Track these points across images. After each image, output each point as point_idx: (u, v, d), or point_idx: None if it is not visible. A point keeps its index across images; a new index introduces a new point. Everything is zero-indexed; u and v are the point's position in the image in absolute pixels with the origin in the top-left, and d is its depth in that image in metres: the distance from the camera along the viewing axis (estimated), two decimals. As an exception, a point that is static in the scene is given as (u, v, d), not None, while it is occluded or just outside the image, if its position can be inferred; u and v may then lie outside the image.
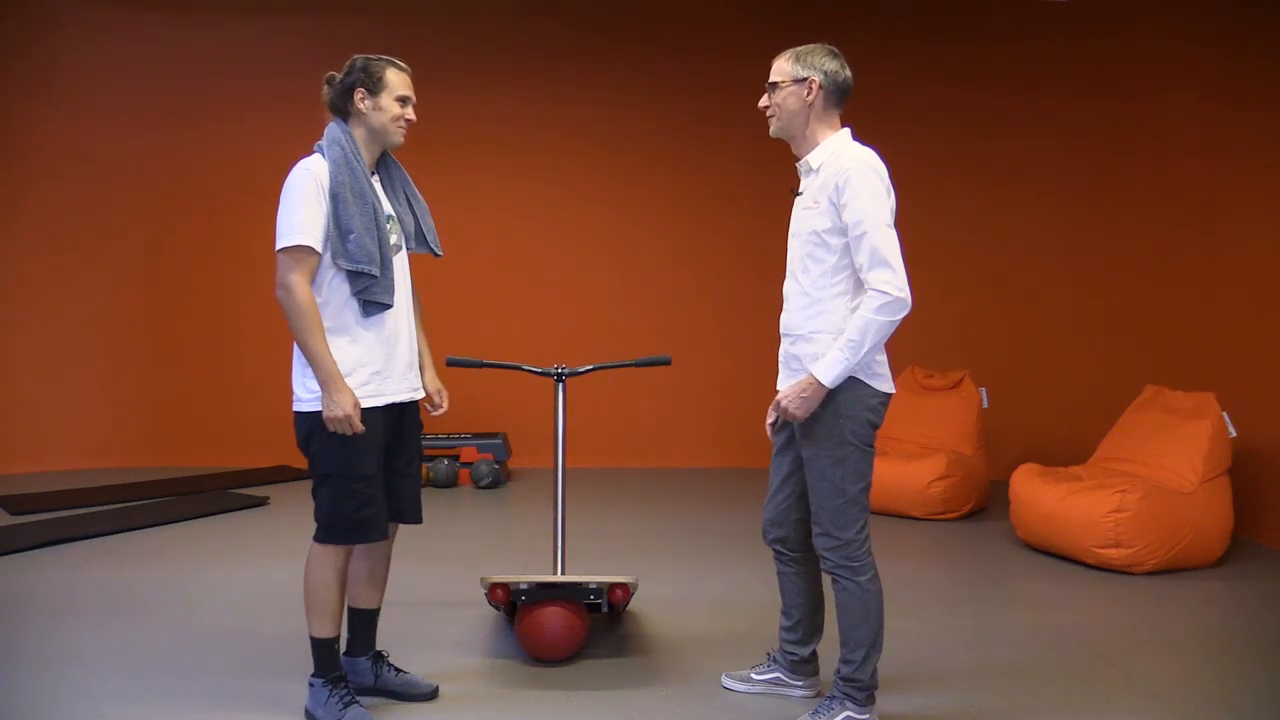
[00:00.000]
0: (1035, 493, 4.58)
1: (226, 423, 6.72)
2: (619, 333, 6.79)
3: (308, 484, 2.67)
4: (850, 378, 2.53)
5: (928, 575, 4.31)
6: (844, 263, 2.55)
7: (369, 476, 2.61)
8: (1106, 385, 5.97)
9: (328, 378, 2.50)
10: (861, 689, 2.63)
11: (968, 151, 6.70)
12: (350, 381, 2.56)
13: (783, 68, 2.62)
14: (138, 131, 6.63)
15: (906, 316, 2.49)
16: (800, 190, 2.69)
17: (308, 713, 2.71)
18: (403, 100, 2.68)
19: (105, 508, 5.37)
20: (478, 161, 6.81)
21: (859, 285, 2.53)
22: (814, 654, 2.90)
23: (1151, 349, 5.97)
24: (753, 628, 3.45)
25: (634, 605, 3.72)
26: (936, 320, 6.20)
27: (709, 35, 6.80)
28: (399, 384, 2.72)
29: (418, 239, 2.82)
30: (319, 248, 2.54)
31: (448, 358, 3.44)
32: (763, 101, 2.67)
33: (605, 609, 3.26)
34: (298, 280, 2.51)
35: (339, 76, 2.68)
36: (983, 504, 5.53)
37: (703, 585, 4.07)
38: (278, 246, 2.53)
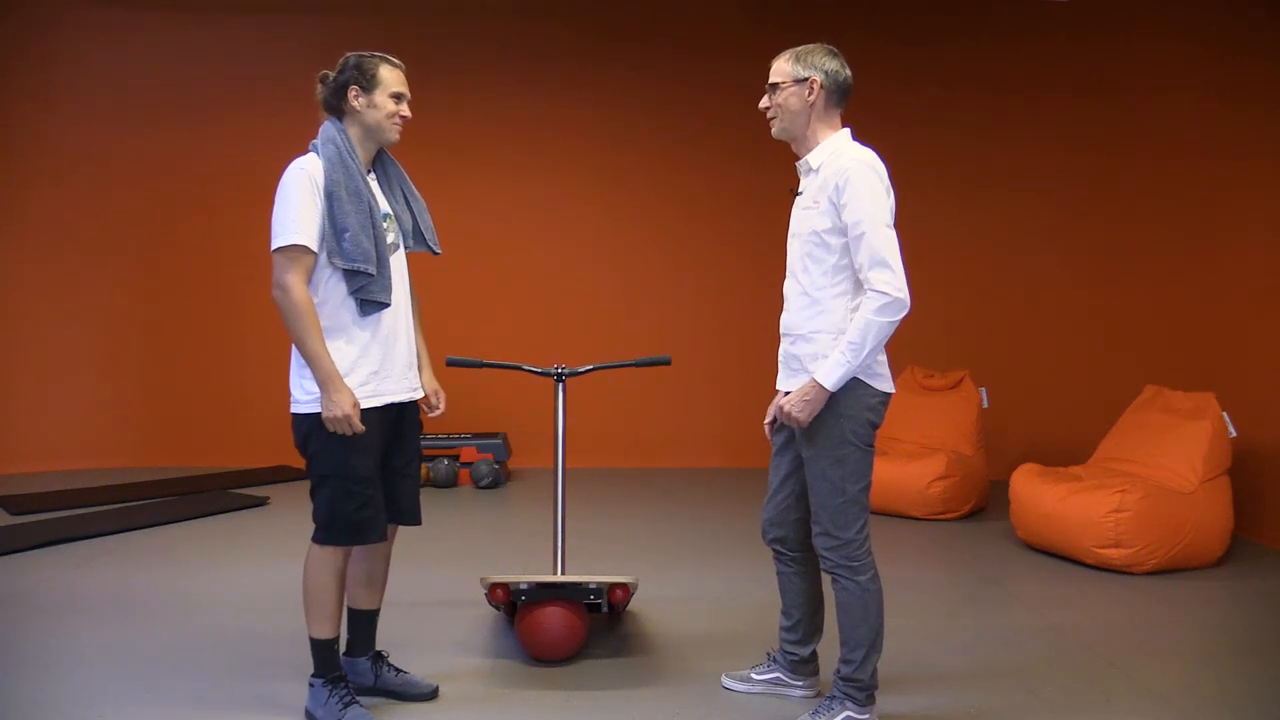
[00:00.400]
0: (1035, 493, 4.58)
1: (226, 423, 6.72)
2: (619, 333, 6.79)
3: (307, 484, 2.67)
4: (850, 378, 2.53)
5: (928, 575, 4.31)
6: (844, 263, 2.55)
7: (367, 478, 2.60)
8: (1106, 385, 5.97)
9: (326, 377, 2.49)
10: (861, 689, 2.63)
11: (968, 151, 6.70)
12: (349, 381, 2.55)
13: (783, 68, 2.62)
14: (137, 131, 6.63)
15: (906, 317, 2.49)
16: (800, 190, 2.69)
17: (308, 713, 2.71)
18: (397, 97, 2.65)
19: (105, 508, 5.37)
20: (477, 161, 6.81)
21: (859, 285, 2.53)
22: (814, 654, 2.90)
23: (1152, 349, 5.97)
24: (753, 628, 3.45)
25: (634, 605, 3.72)
26: (937, 320, 6.20)
27: (709, 35, 6.80)
28: (398, 384, 2.71)
29: (416, 237, 2.80)
30: (315, 247, 2.52)
31: (448, 358, 3.44)
32: (763, 103, 2.67)
33: (605, 609, 3.26)
34: (294, 280, 2.49)
35: (332, 75, 2.66)
36: (983, 504, 5.53)
37: (703, 585, 4.06)
38: (273, 246, 2.51)
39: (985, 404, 5.69)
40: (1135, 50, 6.08)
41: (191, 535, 4.89)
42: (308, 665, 2.72)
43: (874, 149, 2.60)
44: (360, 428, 2.52)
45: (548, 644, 3.10)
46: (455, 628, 3.50)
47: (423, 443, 6.19)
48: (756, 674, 2.96)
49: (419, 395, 2.83)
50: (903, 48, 6.66)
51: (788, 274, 2.71)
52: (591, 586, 3.09)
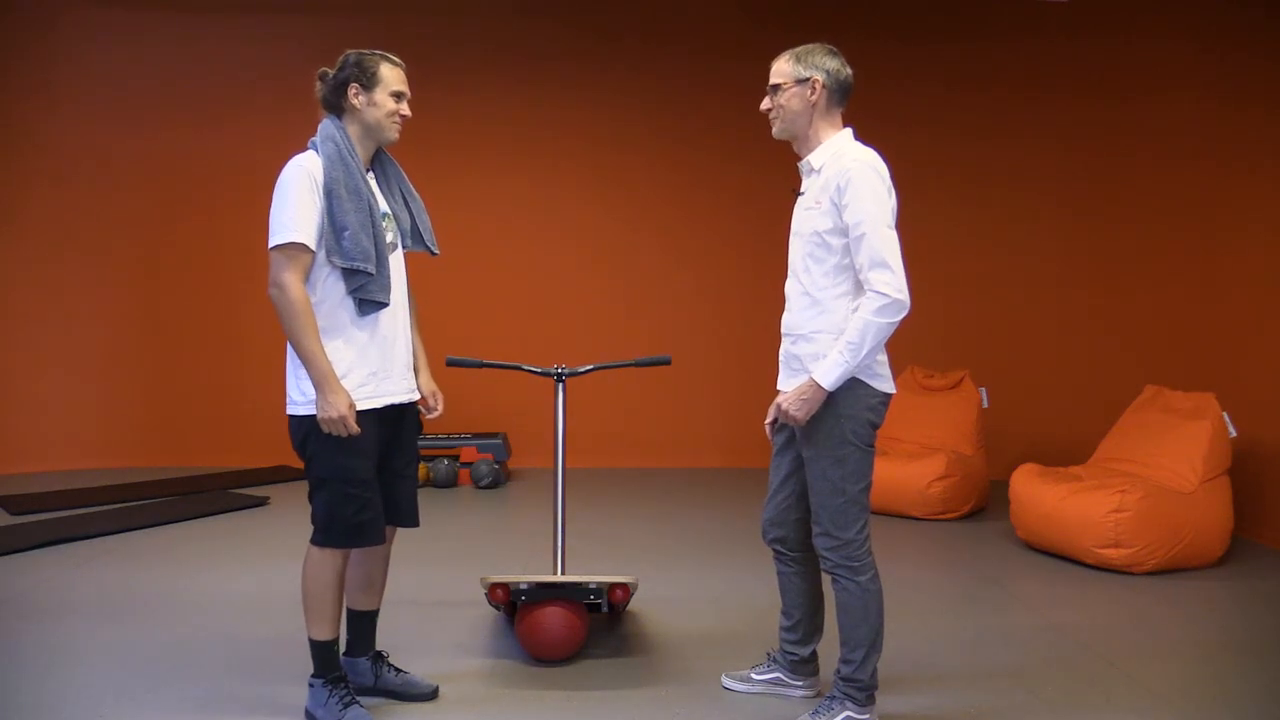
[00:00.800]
0: (1035, 493, 4.58)
1: (226, 423, 6.72)
2: (619, 333, 6.79)
3: (307, 484, 2.66)
4: (851, 378, 2.53)
5: (928, 575, 4.31)
6: (845, 263, 2.54)
7: (366, 480, 2.59)
8: (1106, 385, 5.97)
9: (321, 378, 2.47)
10: (861, 689, 2.63)
11: (968, 151, 6.70)
12: (346, 383, 2.53)
13: (784, 69, 2.62)
14: (137, 131, 6.63)
15: (906, 317, 2.49)
16: (802, 190, 2.69)
17: (308, 713, 2.71)
18: (397, 95, 2.64)
19: (105, 508, 5.37)
20: (477, 162, 6.81)
21: (860, 286, 2.52)
22: (814, 654, 2.90)
23: (1152, 349, 5.97)
24: (753, 628, 3.45)
25: (634, 605, 3.72)
26: (937, 320, 6.20)
27: (709, 35, 6.80)
28: (397, 384, 2.70)
29: (414, 237, 2.79)
30: (313, 245, 2.50)
31: (448, 358, 3.44)
32: (765, 104, 2.66)
33: (605, 609, 3.26)
34: (291, 279, 2.47)
35: (331, 72, 2.64)
36: (983, 504, 5.53)
37: (703, 585, 4.06)
38: (270, 244, 2.49)
39: (985, 404, 5.69)
40: (1135, 50, 6.08)
41: (191, 535, 4.89)
42: (308, 665, 2.71)
43: (875, 149, 2.60)
44: (355, 429, 2.50)
45: (548, 644, 3.10)
46: (455, 628, 3.50)
47: (422, 443, 6.21)
48: (756, 674, 2.96)
49: (417, 397, 2.81)
50: (903, 48, 6.66)
51: (789, 274, 2.71)
52: (591, 586, 3.09)
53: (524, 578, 3.09)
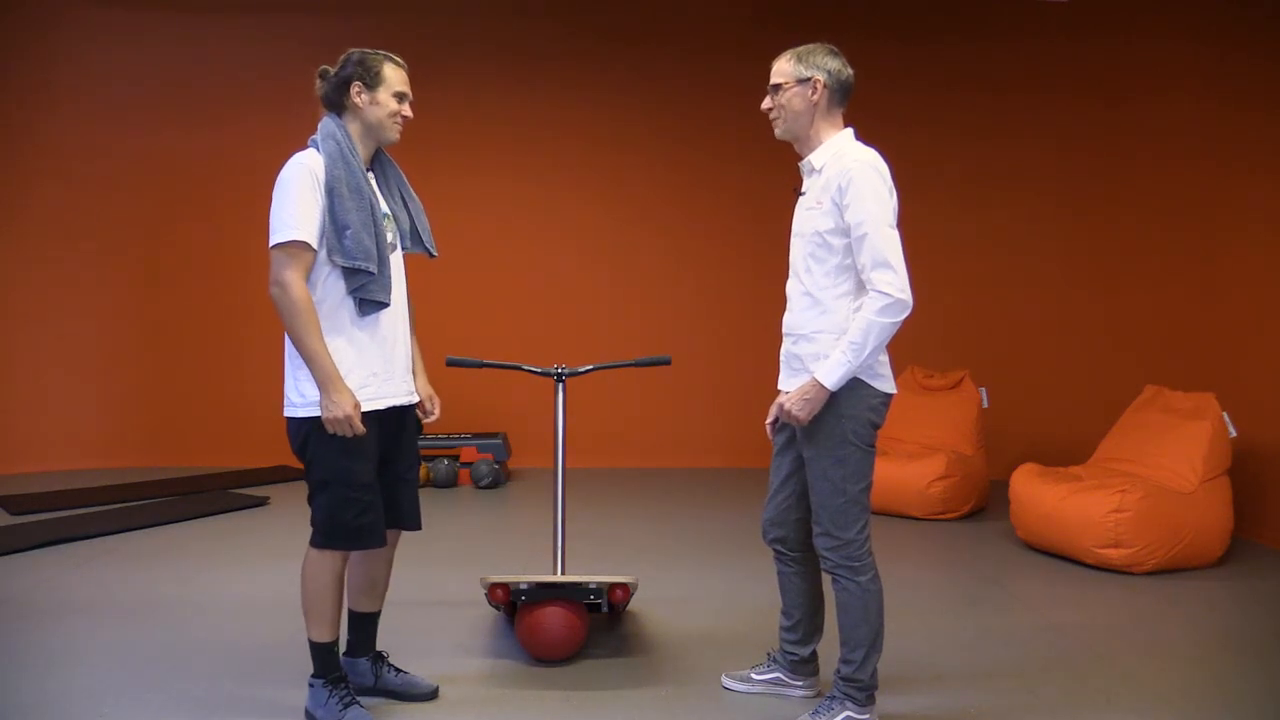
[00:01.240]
0: (1035, 493, 4.58)
1: (226, 423, 6.72)
2: (619, 333, 6.79)
3: (307, 485, 2.66)
4: (852, 378, 2.53)
5: (928, 575, 4.31)
6: (847, 263, 2.54)
7: (367, 483, 2.58)
8: (1106, 385, 5.97)
9: (326, 377, 2.46)
10: (861, 689, 2.63)
11: (968, 151, 6.70)
12: (347, 383, 2.51)
13: (785, 69, 2.62)
14: (138, 131, 6.63)
15: (908, 317, 2.49)
16: (803, 190, 2.69)
17: (308, 713, 2.71)
18: (400, 96, 2.63)
19: (105, 508, 5.37)
20: (477, 162, 6.81)
21: (862, 286, 2.52)
22: (814, 654, 2.90)
23: (1151, 349, 5.97)
24: (753, 628, 3.45)
25: (634, 605, 3.72)
26: (936, 320, 6.20)
27: (709, 35, 6.80)
28: (397, 386, 2.69)
29: (413, 238, 2.78)
30: (315, 244, 2.48)
31: (447, 358, 3.44)
32: (765, 104, 2.66)
33: (605, 609, 3.26)
34: (293, 277, 2.45)
35: (333, 70, 2.63)
36: (983, 504, 5.53)
37: (703, 585, 4.06)
38: (271, 242, 2.47)
39: (985, 404, 5.69)
40: (1135, 50, 6.08)
41: (191, 535, 4.89)
42: (308, 666, 2.71)
43: (876, 149, 2.60)
44: (361, 429, 2.49)
45: (548, 644, 3.10)
46: (455, 628, 3.50)
47: (422, 443, 6.21)
48: (756, 674, 2.96)
49: (417, 399, 2.81)
50: (903, 48, 6.66)
51: (790, 274, 2.71)
52: (591, 586, 3.09)
53: (524, 578, 3.09)
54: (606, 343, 6.53)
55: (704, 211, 6.90)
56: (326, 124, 2.61)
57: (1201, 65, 5.57)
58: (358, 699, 2.70)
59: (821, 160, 2.61)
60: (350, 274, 2.53)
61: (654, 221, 6.93)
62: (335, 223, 2.50)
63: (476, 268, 6.68)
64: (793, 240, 2.70)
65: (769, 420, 2.80)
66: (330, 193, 2.50)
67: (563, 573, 3.31)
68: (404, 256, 2.78)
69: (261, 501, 5.59)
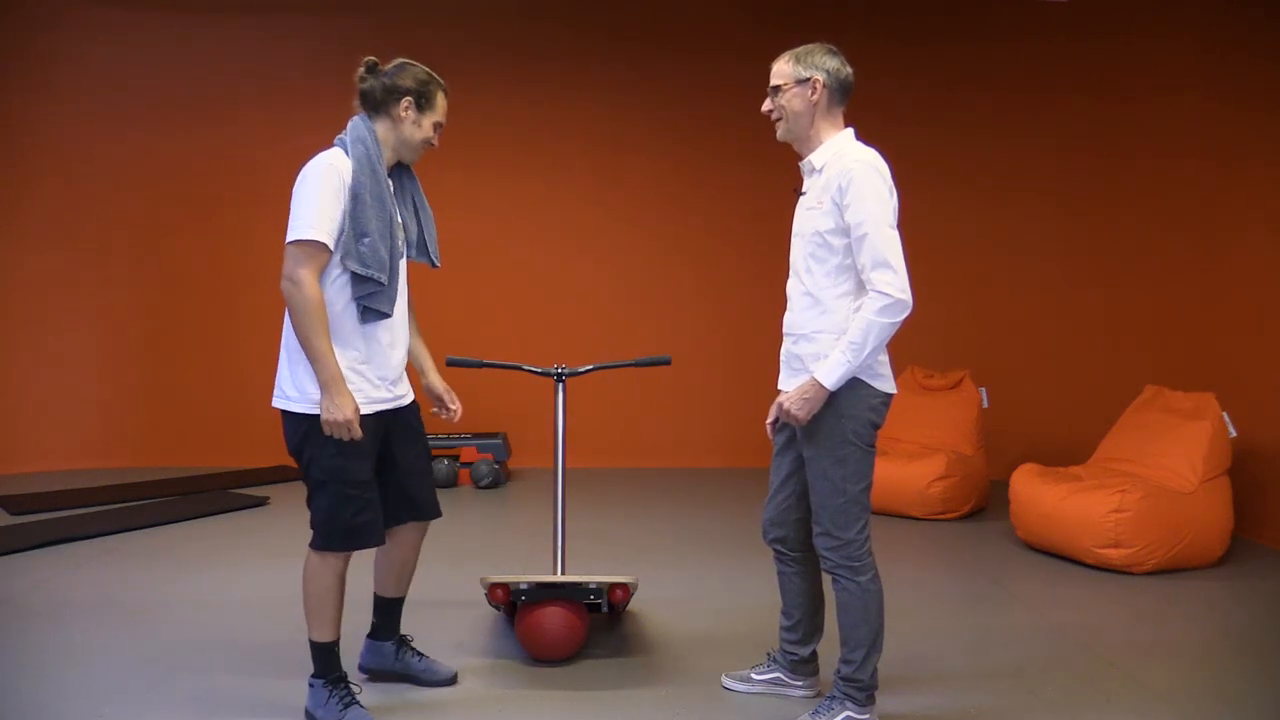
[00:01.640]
0: (1035, 493, 4.58)
1: (226, 423, 6.71)
2: (619, 333, 6.79)
3: (305, 487, 2.66)
4: (852, 378, 2.53)
5: (928, 575, 4.31)
6: (847, 263, 2.54)
7: (365, 481, 2.59)
8: (1106, 385, 5.97)
9: (330, 379, 2.46)
10: (861, 689, 2.63)
11: (968, 151, 6.70)
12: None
13: (784, 70, 2.62)
14: (138, 131, 6.63)
15: (908, 317, 2.49)
16: (804, 190, 2.69)
17: (308, 713, 2.71)
18: (438, 125, 2.70)
19: (105, 508, 5.37)
20: (478, 161, 6.80)
21: (862, 286, 2.52)
22: (814, 654, 2.91)
23: (1151, 349, 5.97)
24: (753, 628, 3.45)
25: (634, 605, 3.72)
26: (937, 320, 6.20)
27: (709, 35, 6.80)
28: (393, 390, 2.70)
29: (419, 248, 2.81)
30: (332, 245, 2.49)
31: (448, 358, 3.44)
32: (766, 106, 2.67)
33: (605, 609, 3.26)
34: (307, 275, 2.45)
35: (385, 69, 2.64)
36: (983, 504, 5.53)
37: (703, 585, 4.06)
38: (290, 238, 2.48)
39: (985, 404, 5.69)
40: (1135, 50, 6.08)
41: (191, 535, 4.89)
42: (308, 665, 2.72)
43: (876, 149, 2.60)
44: (359, 434, 2.50)
45: (548, 644, 3.10)
46: (455, 628, 3.50)
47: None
48: (756, 674, 2.97)
49: (410, 401, 2.81)
50: (903, 48, 6.66)
51: (791, 273, 2.71)
52: (591, 586, 3.09)
53: (524, 578, 3.09)
54: (606, 343, 6.53)
55: (704, 211, 6.90)
56: (358, 126, 2.62)
57: (1202, 65, 5.57)
58: (357, 699, 2.70)
59: (822, 160, 2.61)
60: (359, 281, 2.55)
61: (654, 221, 6.93)
62: (355, 228, 2.52)
63: (476, 267, 6.68)
64: (793, 240, 2.70)
65: (769, 420, 2.80)
66: (354, 198, 2.52)
67: (563, 573, 3.31)
68: (407, 263, 2.79)
69: (261, 501, 5.59)
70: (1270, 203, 4.99)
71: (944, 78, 6.67)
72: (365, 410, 2.59)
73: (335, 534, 2.59)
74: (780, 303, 2.76)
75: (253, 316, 6.57)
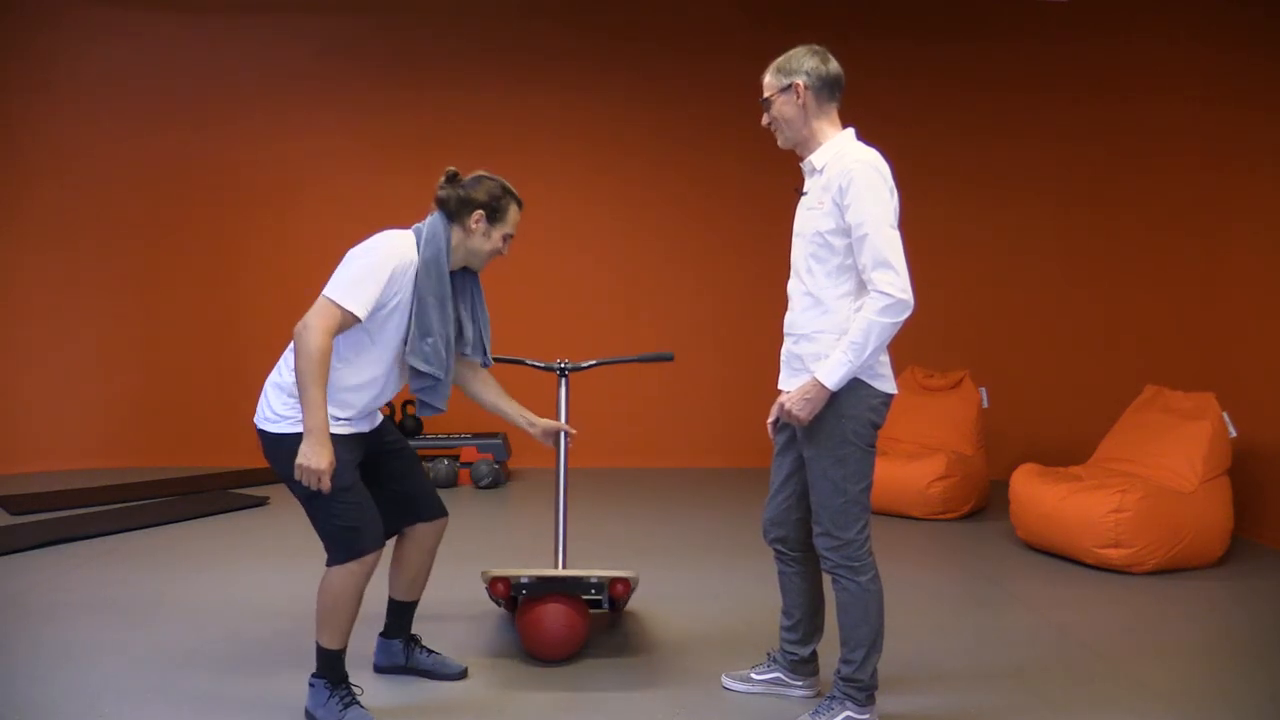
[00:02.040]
0: (1035, 493, 4.58)
1: (226, 423, 6.70)
2: (619, 333, 6.78)
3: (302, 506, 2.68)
4: (853, 378, 2.53)
5: (928, 575, 4.31)
6: (848, 263, 2.54)
7: (348, 486, 2.62)
8: (1106, 385, 5.97)
9: (316, 427, 2.49)
10: (862, 689, 2.63)
11: (968, 151, 6.70)
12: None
13: (769, 82, 2.66)
14: (138, 131, 6.63)
15: (908, 317, 2.49)
16: (804, 190, 2.69)
17: (308, 713, 2.71)
18: (507, 238, 2.79)
19: (105, 508, 5.37)
20: (478, 161, 6.73)
21: (863, 286, 2.52)
22: (814, 654, 2.90)
23: (1151, 349, 5.97)
24: (753, 628, 3.45)
25: (634, 605, 3.72)
26: (936, 320, 6.19)
27: (709, 36, 6.80)
28: (363, 424, 2.76)
29: (474, 347, 2.90)
30: (363, 318, 2.55)
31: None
32: (764, 120, 2.69)
33: (606, 604, 3.27)
34: (324, 327, 2.50)
35: (465, 181, 2.75)
36: (983, 504, 5.54)
37: (703, 585, 4.06)
38: (328, 293, 2.53)
39: (985, 404, 5.69)
40: (1135, 50, 6.08)
41: (191, 535, 4.89)
42: (308, 665, 2.72)
43: (877, 149, 2.60)
44: (327, 488, 2.53)
45: (548, 643, 3.10)
46: (455, 628, 3.50)
47: (423, 443, 6.24)
48: (756, 674, 2.96)
49: (379, 421, 2.86)
50: (903, 48, 6.66)
51: (792, 273, 2.71)
52: (592, 580, 3.09)
53: (525, 571, 3.10)
54: (607, 342, 6.53)
55: (705, 211, 6.90)
56: (435, 226, 2.72)
57: (1202, 65, 5.57)
58: (358, 700, 2.70)
59: (823, 160, 2.61)
60: (418, 375, 2.69)
61: (655, 221, 6.93)
62: (420, 326, 2.64)
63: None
64: (794, 240, 2.70)
65: (770, 420, 2.80)
66: (419, 300, 2.63)
67: (563, 568, 3.31)
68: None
69: (261, 501, 5.59)
70: (1270, 203, 4.99)
71: (944, 78, 6.67)
72: (336, 430, 2.60)
73: (340, 544, 2.62)
74: (780, 302, 2.76)
75: (253, 316, 6.57)
